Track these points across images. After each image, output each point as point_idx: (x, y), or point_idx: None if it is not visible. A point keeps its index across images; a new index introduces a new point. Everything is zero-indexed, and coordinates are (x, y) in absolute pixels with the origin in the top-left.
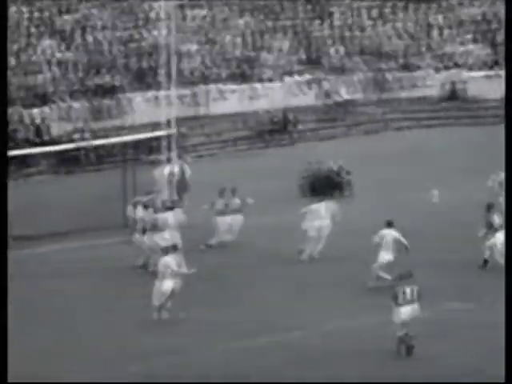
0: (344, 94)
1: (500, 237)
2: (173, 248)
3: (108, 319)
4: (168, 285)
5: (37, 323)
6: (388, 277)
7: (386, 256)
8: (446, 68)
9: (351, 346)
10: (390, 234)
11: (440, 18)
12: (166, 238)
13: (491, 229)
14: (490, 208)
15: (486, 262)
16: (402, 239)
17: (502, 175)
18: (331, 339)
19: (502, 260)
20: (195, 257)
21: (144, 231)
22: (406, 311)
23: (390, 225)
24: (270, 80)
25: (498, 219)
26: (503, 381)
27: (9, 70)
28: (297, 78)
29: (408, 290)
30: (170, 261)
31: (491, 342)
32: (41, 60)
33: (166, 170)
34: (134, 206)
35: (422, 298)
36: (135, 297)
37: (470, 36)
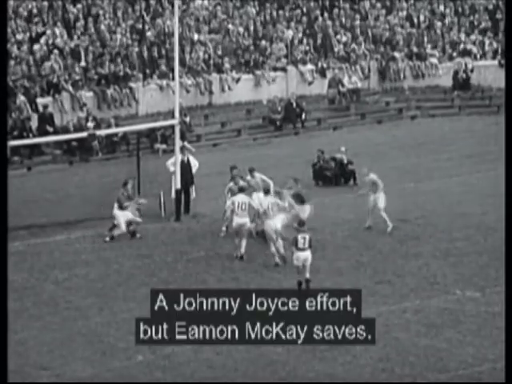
0: (356, 83)
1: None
2: None
3: (118, 308)
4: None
5: (50, 313)
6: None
7: (239, 220)
8: (459, 56)
9: None
10: (241, 198)
11: (451, 6)
12: None
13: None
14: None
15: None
16: (252, 203)
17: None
18: None
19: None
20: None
21: None
22: (304, 255)
23: (241, 190)
24: (280, 69)
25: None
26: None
27: (19, 59)
28: (308, 66)
29: (307, 237)
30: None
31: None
32: (49, 48)
33: (171, 160)
34: None
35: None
36: (146, 284)
37: (482, 25)
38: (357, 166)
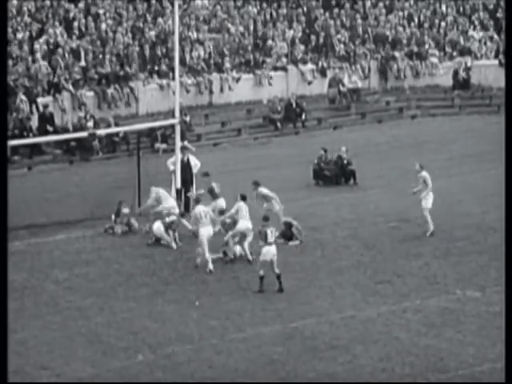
0: (356, 82)
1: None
2: None
3: (119, 308)
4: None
5: (50, 313)
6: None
7: (247, 224)
8: (459, 56)
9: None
10: (245, 205)
11: (452, 5)
12: None
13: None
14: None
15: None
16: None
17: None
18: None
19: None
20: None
21: None
22: (272, 249)
23: (244, 198)
24: (281, 69)
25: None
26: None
27: (20, 58)
28: (308, 66)
29: (274, 230)
30: None
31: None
32: (50, 48)
33: (171, 160)
34: None
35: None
36: (146, 284)
37: (484, 23)
38: (357, 166)
